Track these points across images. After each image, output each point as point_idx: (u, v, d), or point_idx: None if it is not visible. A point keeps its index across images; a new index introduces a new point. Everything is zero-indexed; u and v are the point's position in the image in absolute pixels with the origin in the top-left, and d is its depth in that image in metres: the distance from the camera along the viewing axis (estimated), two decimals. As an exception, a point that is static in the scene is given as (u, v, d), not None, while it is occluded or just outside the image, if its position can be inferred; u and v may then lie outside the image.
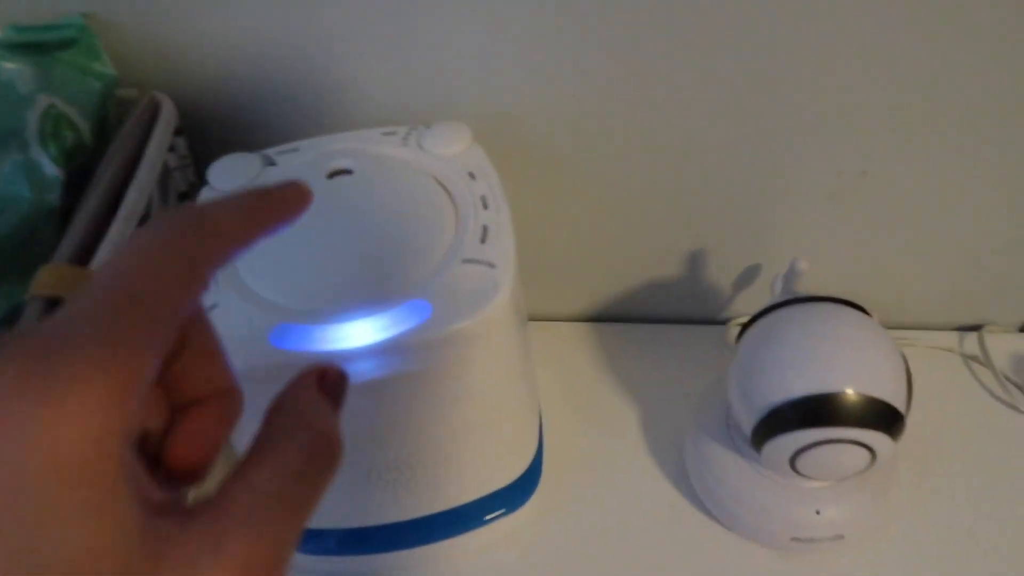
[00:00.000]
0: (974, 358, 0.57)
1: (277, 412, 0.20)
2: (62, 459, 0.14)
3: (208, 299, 0.35)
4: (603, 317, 0.61)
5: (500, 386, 0.39)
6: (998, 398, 0.55)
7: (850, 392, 0.38)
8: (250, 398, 0.35)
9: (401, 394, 0.35)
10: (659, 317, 0.61)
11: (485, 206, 0.38)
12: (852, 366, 0.39)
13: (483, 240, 0.37)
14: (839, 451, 0.39)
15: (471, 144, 0.42)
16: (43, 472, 0.14)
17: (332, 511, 0.42)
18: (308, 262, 0.36)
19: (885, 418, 0.39)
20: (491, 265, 0.36)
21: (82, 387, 0.14)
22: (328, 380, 0.21)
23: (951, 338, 0.59)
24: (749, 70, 0.45)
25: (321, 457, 0.19)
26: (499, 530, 0.47)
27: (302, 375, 0.21)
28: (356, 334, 0.33)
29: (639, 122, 0.48)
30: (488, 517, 0.46)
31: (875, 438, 0.39)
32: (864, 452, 0.40)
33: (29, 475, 0.14)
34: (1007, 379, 0.55)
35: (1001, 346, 0.57)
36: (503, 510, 0.46)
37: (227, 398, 0.21)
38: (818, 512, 0.44)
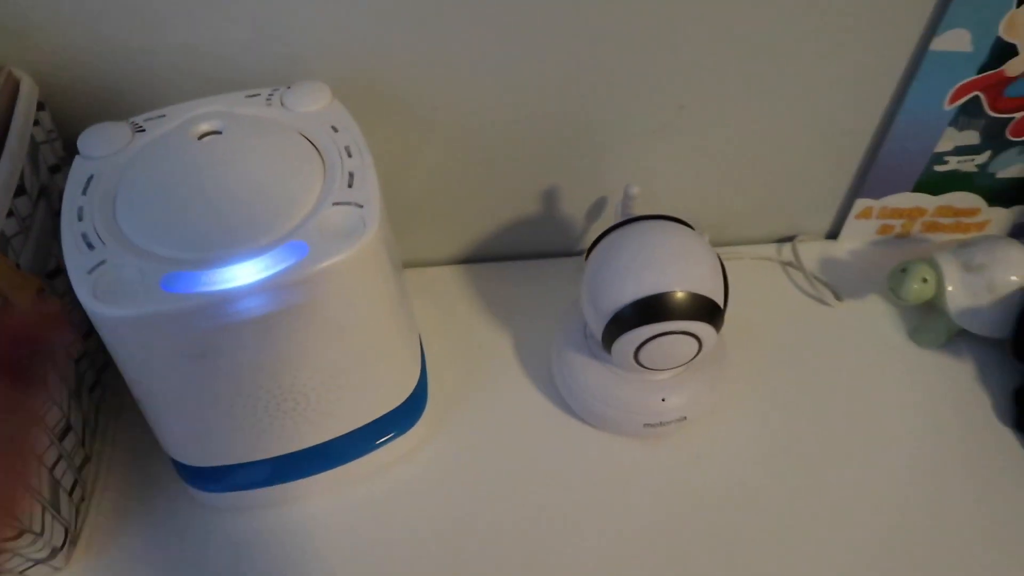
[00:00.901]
0: (789, 264, 0.67)
1: None
2: None
3: (96, 257, 0.37)
4: (473, 259, 0.67)
5: (378, 314, 0.44)
6: (809, 295, 0.64)
7: (677, 291, 0.46)
8: (147, 342, 0.39)
9: (288, 326, 0.39)
10: (524, 254, 0.67)
11: (349, 155, 0.42)
12: (677, 270, 0.47)
13: (350, 184, 0.41)
14: (672, 341, 0.47)
15: (331, 101, 0.46)
16: None
17: (235, 446, 0.46)
18: (190, 216, 0.39)
19: (707, 310, 0.46)
20: (359, 205, 0.40)
21: None
22: None
23: (770, 249, 0.68)
24: (575, 25, 0.50)
25: None
26: (392, 452, 0.52)
27: None
28: (241, 274, 0.37)
29: (482, 71, 0.53)
30: (380, 440, 0.51)
31: (700, 328, 0.47)
32: (692, 341, 0.47)
33: None
34: (816, 278, 0.65)
35: (810, 252, 0.67)
36: (394, 433, 0.51)
37: None
38: (664, 400, 0.52)
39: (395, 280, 0.45)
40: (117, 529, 0.50)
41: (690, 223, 0.51)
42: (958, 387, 0.58)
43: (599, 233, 0.51)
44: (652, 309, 0.46)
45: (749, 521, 0.51)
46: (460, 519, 0.51)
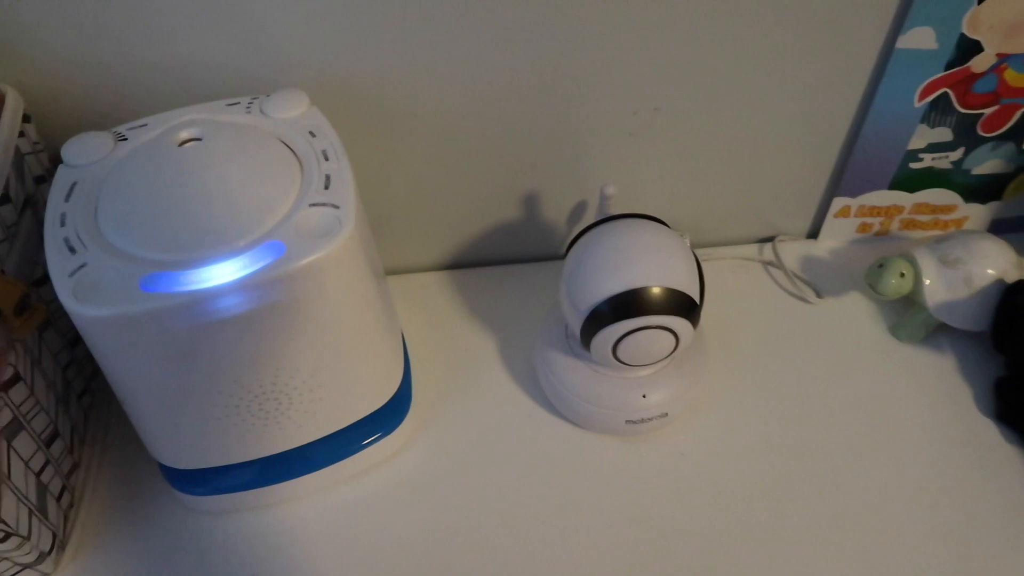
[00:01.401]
0: (771, 263, 0.67)
1: None
2: None
3: (77, 260, 0.38)
4: (456, 264, 0.68)
5: (357, 312, 0.45)
6: (791, 293, 0.65)
7: (652, 286, 0.47)
8: (128, 343, 0.39)
9: (267, 325, 0.40)
10: (506, 259, 0.68)
11: (326, 158, 0.43)
12: (651, 266, 0.47)
13: (327, 187, 0.42)
14: (649, 336, 0.47)
15: (309, 107, 0.47)
16: None
17: (219, 448, 0.46)
18: (169, 219, 0.40)
19: (682, 305, 0.47)
20: (335, 206, 0.41)
21: None
22: None
23: (751, 249, 0.69)
24: (550, 30, 0.51)
25: None
26: (377, 454, 0.53)
27: None
28: (220, 274, 0.38)
29: (460, 78, 0.54)
30: (366, 442, 0.52)
31: (676, 323, 0.47)
32: (669, 336, 0.48)
33: None
34: (796, 276, 0.66)
35: (791, 251, 0.68)
36: (379, 434, 0.52)
37: None
38: (644, 396, 0.52)
39: (374, 280, 0.46)
40: (105, 534, 0.50)
41: (670, 224, 0.52)
42: (939, 380, 0.59)
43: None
44: (628, 305, 0.47)
45: (732, 517, 0.51)
46: (446, 519, 0.51)
